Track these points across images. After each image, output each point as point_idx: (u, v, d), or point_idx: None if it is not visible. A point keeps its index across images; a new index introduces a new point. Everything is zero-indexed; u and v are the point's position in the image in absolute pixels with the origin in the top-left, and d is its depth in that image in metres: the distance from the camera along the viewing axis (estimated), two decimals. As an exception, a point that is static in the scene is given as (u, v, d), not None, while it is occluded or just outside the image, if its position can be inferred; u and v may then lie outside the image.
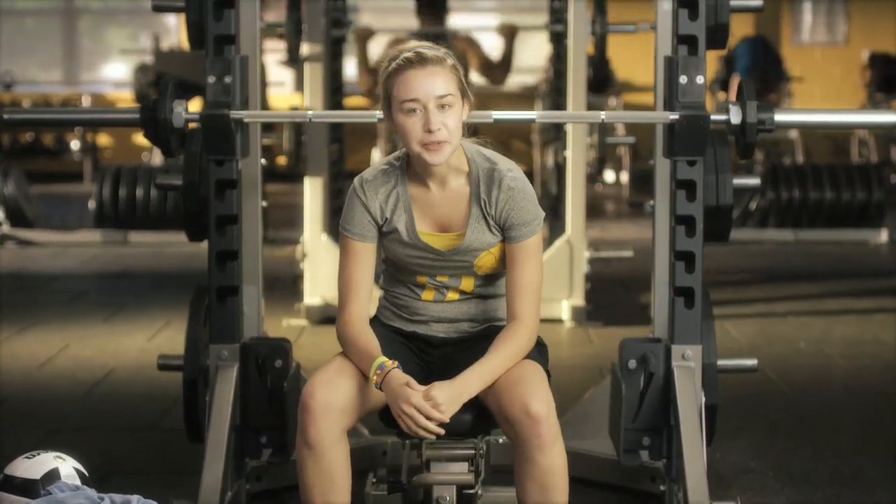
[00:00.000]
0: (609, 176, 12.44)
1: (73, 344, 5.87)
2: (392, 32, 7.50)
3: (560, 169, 6.74)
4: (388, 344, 3.06)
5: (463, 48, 7.17)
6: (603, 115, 3.59)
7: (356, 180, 3.07)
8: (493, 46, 8.01)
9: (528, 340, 3.02)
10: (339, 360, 3.02)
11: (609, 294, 6.89)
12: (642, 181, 11.55)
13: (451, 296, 3.10)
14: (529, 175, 2.93)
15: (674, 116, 3.48)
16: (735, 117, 3.47)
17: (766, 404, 4.88)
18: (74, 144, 13.32)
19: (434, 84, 2.94)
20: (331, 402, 2.90)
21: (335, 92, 6.56)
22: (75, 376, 5.30)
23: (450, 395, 2.87)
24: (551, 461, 2.88)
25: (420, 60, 2.95)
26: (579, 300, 6.27)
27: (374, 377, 2.92)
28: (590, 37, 6.24)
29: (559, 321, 6.24)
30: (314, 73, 6.32)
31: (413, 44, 3.01)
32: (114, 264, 8.27)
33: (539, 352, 3.10)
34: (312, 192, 6.33)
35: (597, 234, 9.06)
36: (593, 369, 5.41)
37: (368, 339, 3.00)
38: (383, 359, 2.94)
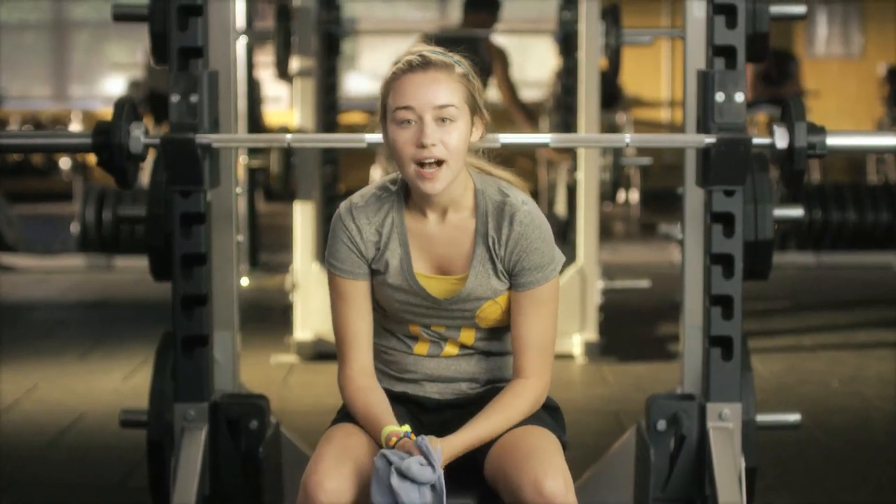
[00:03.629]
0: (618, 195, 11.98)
1: (43, 384, 5.40)
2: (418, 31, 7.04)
3: (570, 192, 6.28)
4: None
5: (491, 58, 6.73)
6: (627, 138, 3.12)
7: (343, 206, 2.60)
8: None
9: (535, 401, 2.57)
10: (342, 433, 2.54)
11: (623, 325, 6.41)
12: (654, 201, 11.09)
13: (449, 349, 2.62)
14: (535, 195, 2.54)
15: (710, 140, 3.02)
16: (781, 140, 3.01)
17: (803, 456, 4.40)
18: (64, 163, 12.87)
19: (434, 91, 2.47)
20: (341, 491, 2.42)
21: (329, 110, 6.10)
22: (40, 423, 4.83)
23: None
24: None
25: (421, 63, 2.50)
26: (592, 334, 5.80)
27: None
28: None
29: (570, 357, 5.77)
30: (305, 90, 5.86)
31: (421, 47, 2.54)
32: (96, 292, 7.81)
33: (553, 417, 2.63)
34: (303, 217, 5.87)
35: (606, 256, 8.56)
36: (609, 414, 4.94)
37: (374, 400, 2.55)
38: (391, 429, 2.48)
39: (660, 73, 13.12)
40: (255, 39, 7.73)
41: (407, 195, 2.58)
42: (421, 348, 2.63)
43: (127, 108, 3.03)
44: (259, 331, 6.25)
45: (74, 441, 4.62)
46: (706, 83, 3.05)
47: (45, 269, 8.53)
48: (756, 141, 3.01)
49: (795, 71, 11.22)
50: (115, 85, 14.17)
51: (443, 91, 2.48)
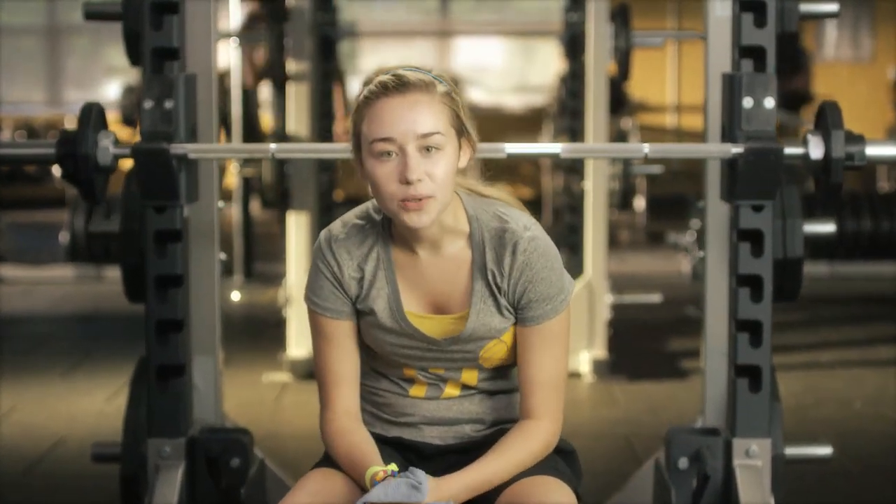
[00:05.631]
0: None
1: (23, 406, 5.13)
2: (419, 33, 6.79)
3: (577, 201, 5.99)
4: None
5: None
6: (646, 148, 2.84)
7: (322, 237, 2.31)
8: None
9: (547, 444, 2.29)
10: (317, 477, 2.26)
11: (633, 341, 6.13)
12: (660, 208, 10.80)
13: (450, 391, 2.34)
14: (538, 203, 2.27)
15: (737, 150, 2.74)
16: (815, 150, 2.73)
17: (827, 486, 4.10)
18: (57, 170, 12.58)
19: (415, 118, 2.18)
20: None
21: (324, 116, 5.82)
22: (18, 449, 4.54)
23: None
24: None
25: (398, 85, 2.19)
26: (601, 351, 5.52)
27: None
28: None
29: (578, 376, 5.49)
30: (299, 95, 5.59)
31: (395, 65, 2.25)
32: (85, 304, 7.54)
33: (568, 464, 2.35)
34: (297, 228, 5.59)
35: (613, 266, 8.29)
36: (619, 437, 4.66)
37: (358, 441, 2.27)
38: (376, 469, 2.20)
39: (665, 76, 12.85)
40: (249, 42, 7.44)
41: (392, 227, 2.30)
42: (418, 391, 2.35)
43: (94, 115, 2.75)
44: (251, 347, 5.99)
45: (51, 468, 4.34)
46: (732, 87, 2.78)
47: (33, 280, 8.27)
48: (788, 151, 2.74)
49: (806, 63, 10.88)
50: (112, 89, 13.93)
51: (426, 116, 2.18)
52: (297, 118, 5.58)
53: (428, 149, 2.18)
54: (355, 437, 2.27)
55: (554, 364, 2.28)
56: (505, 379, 2.36)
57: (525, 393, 2.29)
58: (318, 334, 2.31)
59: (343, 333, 2.30)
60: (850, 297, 7.64)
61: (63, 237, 8.35)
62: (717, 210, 3.05)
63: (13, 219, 10.20)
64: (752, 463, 2.85)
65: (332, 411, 2.30)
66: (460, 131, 2.24)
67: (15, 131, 12.81)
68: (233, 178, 8.07)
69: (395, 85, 2.19)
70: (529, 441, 2.27)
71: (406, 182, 2.16)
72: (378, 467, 2.20)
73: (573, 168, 6.18)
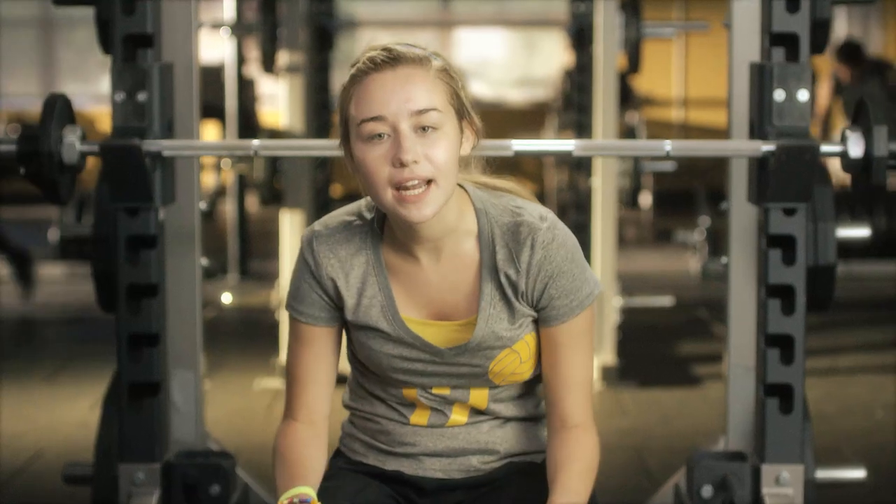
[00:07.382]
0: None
1: (2, 413, 4.88)
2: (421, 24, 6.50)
3: (584, 198, 5.74)
4: (359, 494, 2.04)
5: None
6: (668, 145, 2.58)
7: (304, 234, 2.07)
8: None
9: (596, 452, 2.04)
10: None
11: (641, 345, 5.88)
12: (666, 205, 10.56)
13: (457, 417, 2.08)
14: (541, 200, 2.05)
15: (768, 147, 2.49)
16: (855, 148, 2.48)
17: (849, 501, 3.84)
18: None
19: (408, 93, 1.92)
20: None
21: (321, 109, 5.58)
22: (-6, 462, 4.31)
23: None
24: None
25: (388, 59, 1.94)
26: (610, 357, 5.27)
27: None
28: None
29: (585, 383, 5.23)
30: (294, 88, 5.34)
31: (385, 41, 2.00)
32: (75, 303, 7.30)
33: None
34: (292, 226, 5.34)
35: (619, 266, 8.04)
36: (631, 450, 4.40)
37: (301, 456, 2.02)
38: (302, 490, 1.95)
39: (671, 70, 12.60)
40: (243, 32, 7.19)
41: (386, 226, 2.04)
42: (419, 417, 2.09)
43: (59, 108, 2.50)
44: (243, 352, 5.76)
45: (30, 484, 4.09)
46: (762, 79, 2.53)
47: (23, 278, 8.01)
48: (825, 149, 2.49)
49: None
50: (108, 83, 13.71)
51: (420, 91, 1.93)
52: (292, 111, 5.34)
53: (424, 128, 1.93)
54: (308, 450, 2.03)
55: (584, 362, 2.04)
56: (519, 405, 2.11)
57: (559, 398, 2.03)
58: (295, 339, 2.09)
59: (321, 339, 2.07)
60: (865, 299, 7.39)
61: (52, 234, 8.13)
62: (742, 213, 2.80)
63: (5, 215, 9.96)
64: (783, 491, 2.60)
65: (292, 419, 2.08)
66: (461, 113, 1.99)
67: (8, 124, 12.60)
68: (226, 175, 7.84)
69: (385, 59, 1.94)
70: (588, 455, 2.01)
71: (400, 164, 1.91)
72: (297, 490, 1.96)
73: (580, 164, 5.93)
